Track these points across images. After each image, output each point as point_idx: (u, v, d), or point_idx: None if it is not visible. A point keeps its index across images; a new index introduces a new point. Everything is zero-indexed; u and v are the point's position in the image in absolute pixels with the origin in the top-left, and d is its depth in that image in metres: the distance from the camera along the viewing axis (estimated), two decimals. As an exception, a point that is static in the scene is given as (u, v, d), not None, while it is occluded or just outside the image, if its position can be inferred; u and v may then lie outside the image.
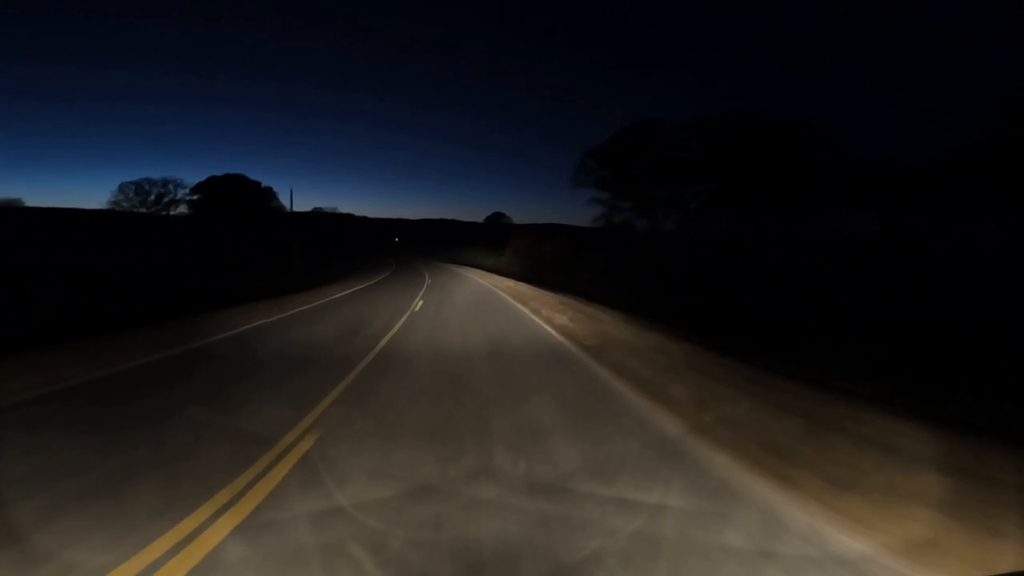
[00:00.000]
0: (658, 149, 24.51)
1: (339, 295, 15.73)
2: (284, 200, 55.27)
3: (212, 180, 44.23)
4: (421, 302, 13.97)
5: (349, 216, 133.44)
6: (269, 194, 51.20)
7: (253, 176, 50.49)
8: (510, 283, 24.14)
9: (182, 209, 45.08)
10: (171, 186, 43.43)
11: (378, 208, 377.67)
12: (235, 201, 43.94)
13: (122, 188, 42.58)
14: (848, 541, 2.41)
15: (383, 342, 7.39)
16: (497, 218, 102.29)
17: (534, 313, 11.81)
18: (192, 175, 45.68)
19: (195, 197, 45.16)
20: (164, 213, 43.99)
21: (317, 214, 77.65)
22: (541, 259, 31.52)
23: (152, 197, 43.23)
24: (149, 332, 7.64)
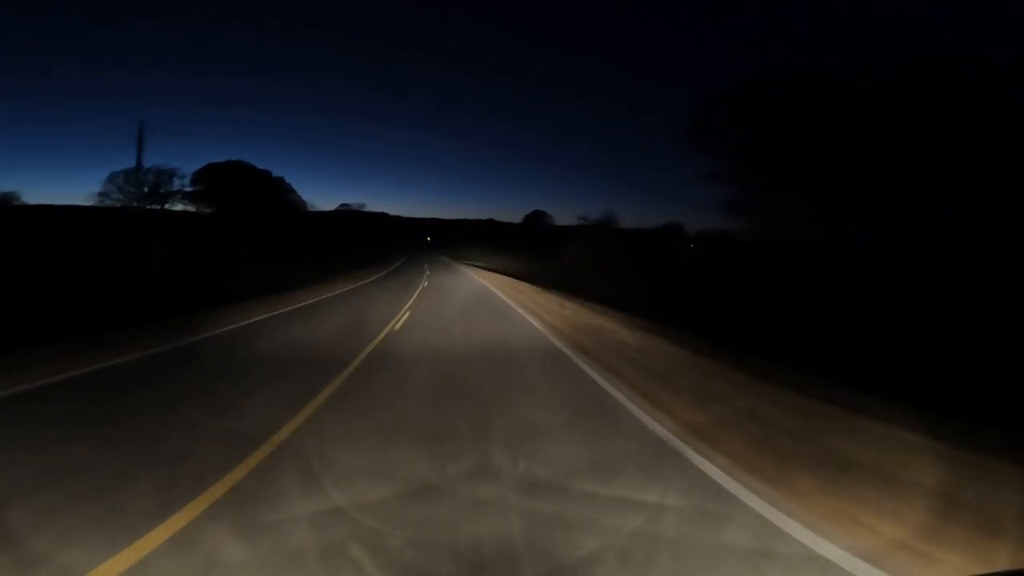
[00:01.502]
0: (810, 106, 15.70)
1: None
2: (305, 195, 49.41)
3: (211, 167, 38.12)
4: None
5: (383, 215, 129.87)
6: (282, 186, 45.07)
7: (268, 171, 44.36)
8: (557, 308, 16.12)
9: (181, 203, 39.21)
10: (165, 175, 37.46)
11: (412, 208, 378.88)
12: (237, 188, 37.67)
13: (111, 178, 36.99)
14: None
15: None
16: (537, 217, 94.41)
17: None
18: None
19: (198, 188, 39.32)
20: (159, 208, 38.19)
21: (342, 212, 71.85)
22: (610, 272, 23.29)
23: (147, 189, 37.55)
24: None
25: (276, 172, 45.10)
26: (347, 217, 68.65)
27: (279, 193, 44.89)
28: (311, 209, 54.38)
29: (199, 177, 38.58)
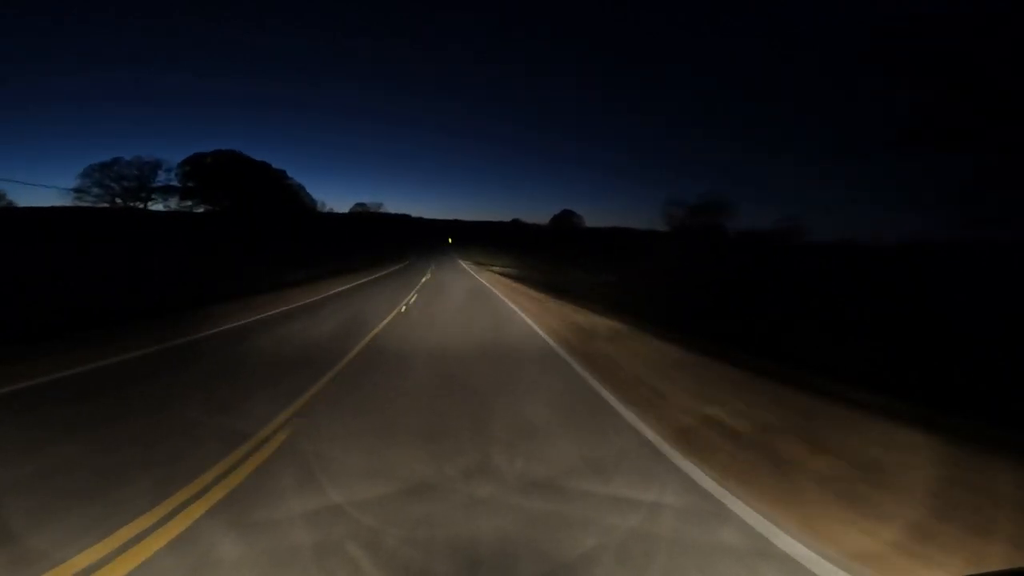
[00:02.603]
0: None
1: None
2: (323, 196, 43.63)
3: (199, 158, 32.33)
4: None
5: (404, 216, 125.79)
6: (283, 179, 39.24)
7: (267, 163, 38.54)
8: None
9: (164, 203, 33.56)
10: (148, 167, 31.85)
11: (435, 209, 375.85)
12: (230, 181, 31.85)
13: (88, 172, 31.56)
14: None
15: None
16: (565, 217, 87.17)
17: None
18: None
19: (188, 183, 33.68)
20: (142, 206, 32.62)
21: (358, 212, 66.20)
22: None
23: (127, 183, 32.03)
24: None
25: (278, 166, 39.41)
26: (363, 218, 62.99)
27: (280, 188, 39.09)
28: (321, 209, 48.87)
29: (186, 170, 32.92)
